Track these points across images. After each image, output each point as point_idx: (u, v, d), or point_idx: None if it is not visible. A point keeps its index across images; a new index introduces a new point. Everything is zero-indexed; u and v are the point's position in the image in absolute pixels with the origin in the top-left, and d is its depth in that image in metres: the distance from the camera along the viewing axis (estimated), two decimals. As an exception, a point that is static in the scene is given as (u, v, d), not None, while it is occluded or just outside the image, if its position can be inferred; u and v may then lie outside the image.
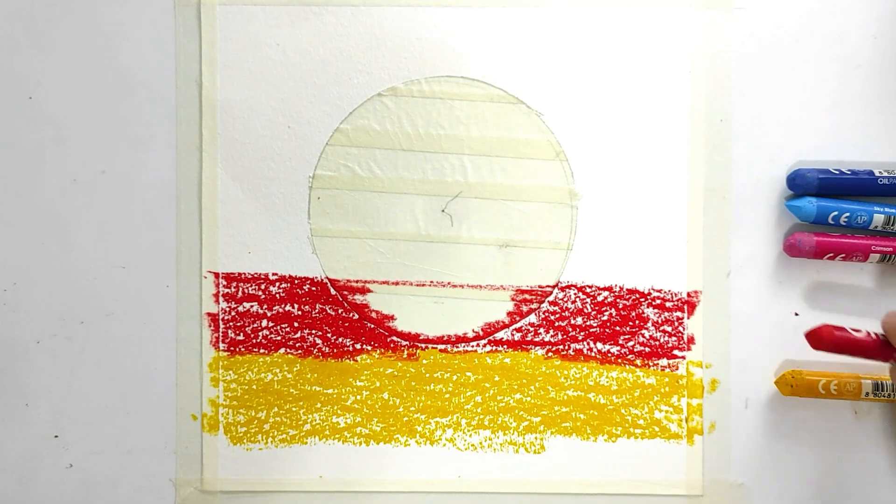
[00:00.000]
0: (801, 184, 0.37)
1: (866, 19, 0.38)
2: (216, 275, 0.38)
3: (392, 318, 0.38)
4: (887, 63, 0.38)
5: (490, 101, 0.38)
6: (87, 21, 0.38)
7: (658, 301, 0.38)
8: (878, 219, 0.37)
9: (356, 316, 0.38)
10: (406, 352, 0.38)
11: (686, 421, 0.38)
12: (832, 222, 0.37)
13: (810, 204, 0.37)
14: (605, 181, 0.38)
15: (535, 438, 0.38)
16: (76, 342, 0.38)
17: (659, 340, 0.38)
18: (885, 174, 0.37)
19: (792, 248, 0.37)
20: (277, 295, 0.38)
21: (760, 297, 0.38)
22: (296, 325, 0.38)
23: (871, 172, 0.37)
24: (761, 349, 0.38)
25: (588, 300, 0.38)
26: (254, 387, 0.38)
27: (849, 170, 0.37)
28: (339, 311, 0.38)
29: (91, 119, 0.38)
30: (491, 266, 0.38)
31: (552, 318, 0.38)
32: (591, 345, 0.38)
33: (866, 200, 0.37)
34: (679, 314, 0.38)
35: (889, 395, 0.37)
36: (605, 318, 0.38)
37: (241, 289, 0.38)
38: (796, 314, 0.38)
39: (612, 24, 0.38)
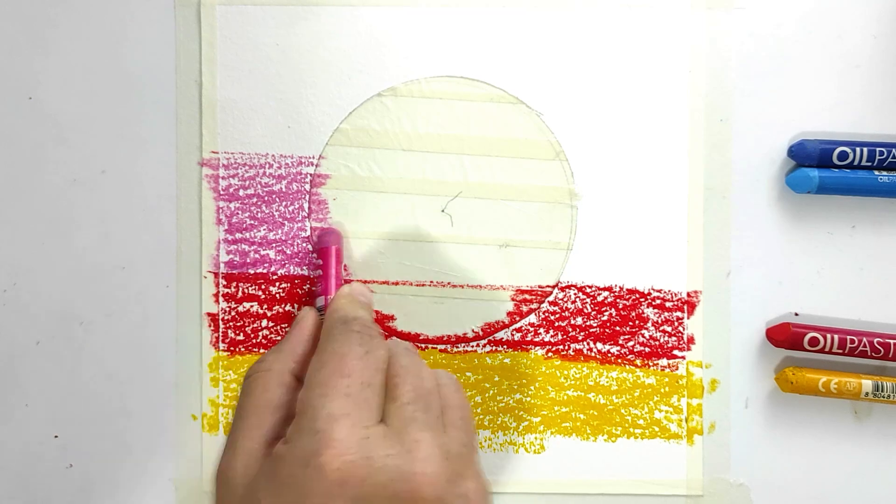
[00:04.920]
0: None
1: (866, 19, 0.38)
2: (216, 275, 0.38)
3: (392, 318, 0.38)
4: (887, 63, 0.38)
5: (490, 101, 0.38)
6: (87, 21, 0.38)
7: (658, 301, 0.38)
8: None
9: (356, 316, 0.38)
10: (406, 352, 0.38)
11: (686, 421, 0.38)
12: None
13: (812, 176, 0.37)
14: (605, 181, 0.38)
15: (535, 438, 0.38)
16: (76, 342, 0.38)
17: (659, 340, 0.38)
18: (886, 173, 0.37)
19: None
20: (277, 295, 0.38)
21: (760, 297, 0.38)
22: (296, 325, 0.38)
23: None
24: (761, 349, 0.38)
25: (588, 300, 0.38)
26: (254, 387, 0.38)
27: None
28: (339, 311, 0.38)
29: (91, 119, 0.38)
30: (491, 266, 0.38)
31: (552, 318, 0.38)
32: (591, 345, 0.38)
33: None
34: (679, 314, 0.38)
35: (889, 395, 0.37)
36: (605, 318, 0.38)
37: (241, 289, 0.38)
38: (796, 314, 0.38)
39: (611, 23, 0.38)
